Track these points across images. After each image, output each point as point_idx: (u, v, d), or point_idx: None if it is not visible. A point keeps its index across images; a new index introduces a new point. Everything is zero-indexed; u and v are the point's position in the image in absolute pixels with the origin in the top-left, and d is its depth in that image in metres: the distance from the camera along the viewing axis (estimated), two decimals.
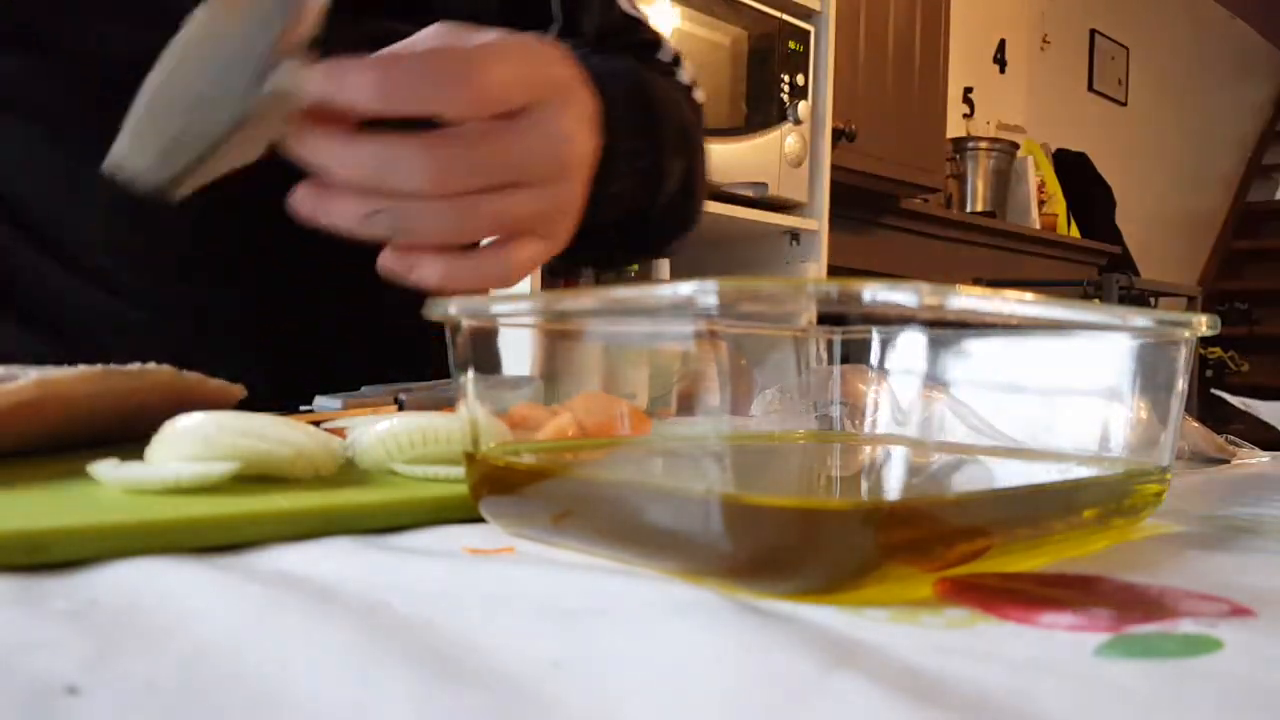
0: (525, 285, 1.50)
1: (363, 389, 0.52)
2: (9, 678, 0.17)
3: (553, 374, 0.36)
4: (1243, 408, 0.66)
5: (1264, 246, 5.07)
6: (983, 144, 3.37)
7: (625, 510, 0.27)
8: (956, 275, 3.01)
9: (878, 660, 0.19)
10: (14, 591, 0.22)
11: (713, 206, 1.89)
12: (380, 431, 0.36)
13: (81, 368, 0.35)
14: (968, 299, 0.23)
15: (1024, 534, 0.29)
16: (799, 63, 2.03)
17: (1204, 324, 0.33)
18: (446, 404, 0.47)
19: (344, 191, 0.37)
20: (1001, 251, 3.27)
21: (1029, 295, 0.25)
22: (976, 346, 0.35)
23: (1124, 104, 4.47)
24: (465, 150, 0.38)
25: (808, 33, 2.06)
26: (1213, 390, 0.89)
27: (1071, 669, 0.19)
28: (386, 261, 0.40)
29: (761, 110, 1.98)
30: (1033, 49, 3.92)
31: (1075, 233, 3.69)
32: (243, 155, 0.37)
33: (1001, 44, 3.75)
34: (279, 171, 0.37)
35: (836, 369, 0.44)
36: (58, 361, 0.37)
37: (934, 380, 0.36)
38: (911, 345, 0.25)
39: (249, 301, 0.63)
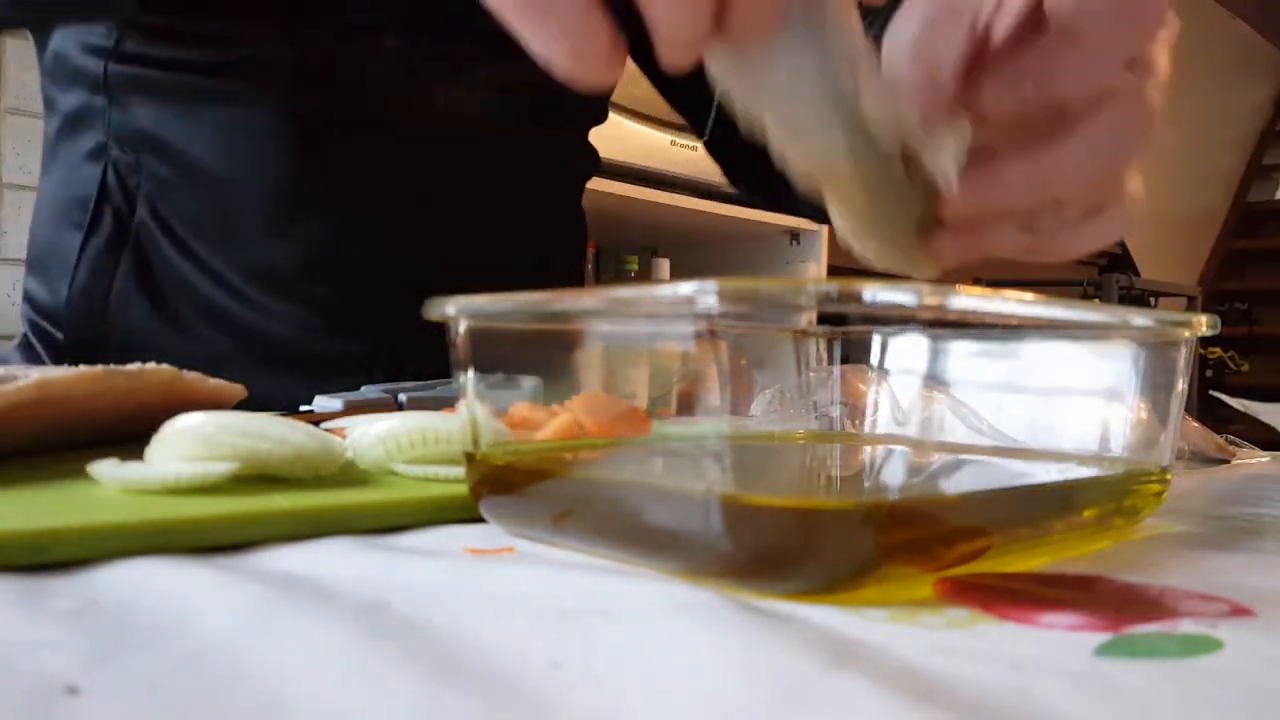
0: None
1: (363, 389, 0.52)
2: (9, 678, 0.17)
3: (553, 374, 0.36)
4: (1241, 409, 0.66)
5: (1264, 246, 5.07)
6: None
7: (625, 510, 0.27)
8: (956, 275, 3.00)
9: (878, 660, 0.19)
10: (14, 591, 0.22)
11: (713, 206, 1.89)
12: (380, 431, 0.36)
13: (81, 368, 0.35)
14: (968, 299, 0.23)
15: (1024, 534, 0.29)
16: None
17: (1204, 324, 0.33)
18: (447, 404, 0.47)
19: (999, 219, 0.34)
20: None
21: (1029, 295, 0.25)
22: (976, 346, 0.35)
23: None
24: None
25: None
26: (1211, 392, 0.89)
27: (1071, 669, 0.19)
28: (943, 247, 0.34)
29: None
30: None
31: None
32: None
33: None
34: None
35: (836, 369, 0.44)
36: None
37: (934, 380, 0.36)
38: (911, 345, 0.25)
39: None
